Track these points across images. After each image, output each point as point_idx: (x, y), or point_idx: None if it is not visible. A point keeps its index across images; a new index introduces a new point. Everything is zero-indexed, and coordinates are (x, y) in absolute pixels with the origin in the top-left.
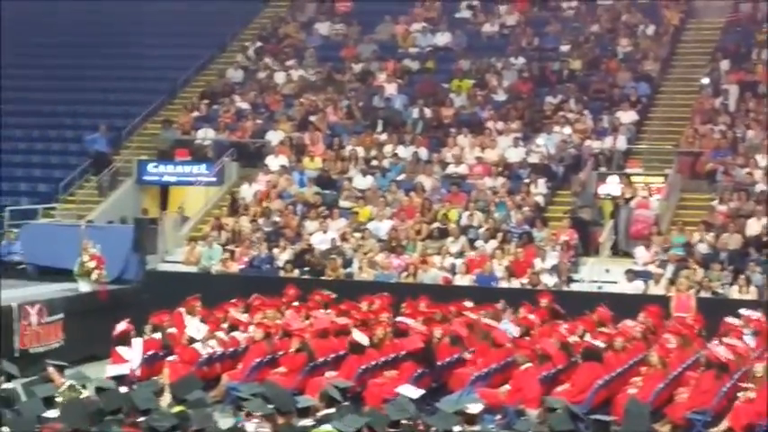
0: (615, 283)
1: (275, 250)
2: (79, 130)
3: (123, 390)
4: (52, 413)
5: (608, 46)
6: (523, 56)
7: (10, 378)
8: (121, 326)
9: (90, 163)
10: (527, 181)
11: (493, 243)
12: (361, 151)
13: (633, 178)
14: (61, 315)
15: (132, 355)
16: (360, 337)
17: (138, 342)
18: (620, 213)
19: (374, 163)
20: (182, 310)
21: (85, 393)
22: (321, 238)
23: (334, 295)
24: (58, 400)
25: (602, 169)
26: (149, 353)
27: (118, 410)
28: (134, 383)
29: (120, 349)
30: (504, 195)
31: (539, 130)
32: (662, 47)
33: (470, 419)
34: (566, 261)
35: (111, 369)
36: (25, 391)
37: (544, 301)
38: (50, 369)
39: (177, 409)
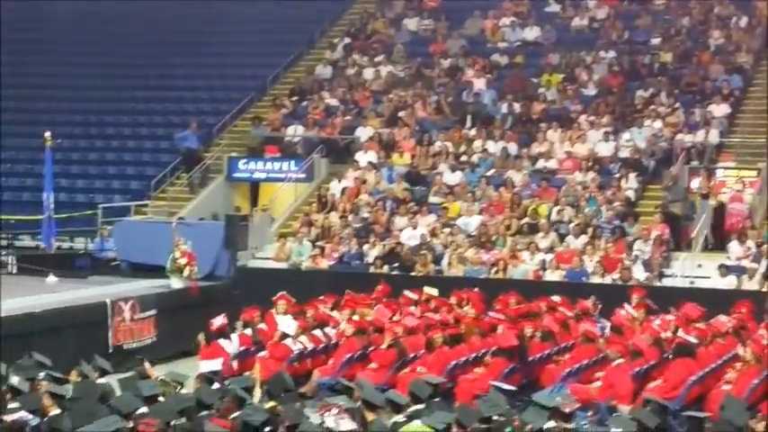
0: (708, 278)
1: (365, 246)
2: (170, 128)
3: (216, 386)
4: (145, 409)
5: (699, 38)
6: (614, 49)
7: (104, 374)
8: (219, 320)
9: (181, 160)
10: (618, 175)
11: (583, 238)
12: (450, 147)
13: (726, 172)
14: (154, 311)
15: (232, 349)
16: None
17: (235, 337)
18: (703, 208)
19: (463, 158)
20: (274, 310)
21: (183, 392)
22: (410, 233)
23: (435, 291)
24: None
25: (694, 163)
26: (241, 348)
27: (211, 405)
28: (226, 379)
29: (222, 342)
30: (594, 190)
31: (629, 124)
32: (755, 39)
33: (565, 417)
34: (657, 256)
35: (204, 365)
36: (122, 386)
37: (636, 297)
38: (146, 364)
39: (269, 404)
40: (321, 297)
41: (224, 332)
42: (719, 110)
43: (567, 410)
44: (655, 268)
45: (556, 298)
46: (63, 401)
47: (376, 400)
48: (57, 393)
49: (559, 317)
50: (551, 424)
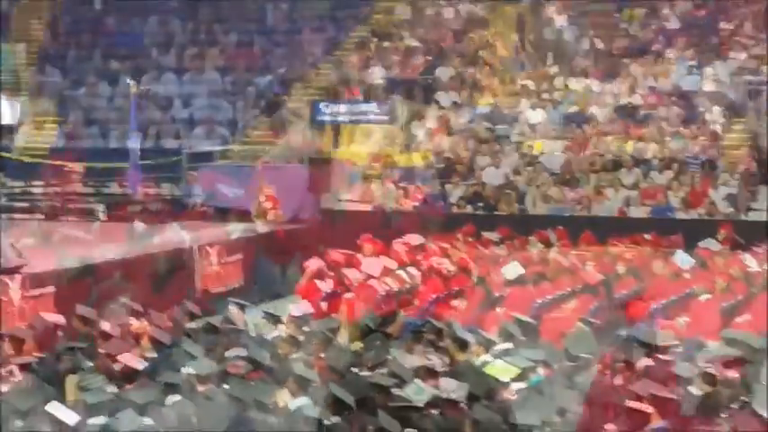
0: None
1: (448, 186)
2: (254, 73)
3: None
4: (237, 351)
5: None
6: None
7: (193, 318)
8: (315, 263)
9: (264, 105)
10: (702, 110)
11: (668, 174)
12: (532, 85)
13: None
14: (240, 255)
15: (327, 289)
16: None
17: (329, 279)
18: None
19: (545, 96)
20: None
21: (275, 333)
22: (493, 173)
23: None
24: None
25: None
26: (328, 291)
27: (300, 347)
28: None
29: (319, 283)
30: (679, 125)
31: (714, 57)
32: None
33: (662, 352)
34: (744, 190)
35: (294, 308)
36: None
37: (723, 232)
38: (232, 308)
39: (356, 345)
40: (404, 238)
41: (321, 274)
42: None
43: (664, 346)
44: (741, 202)
45: (647, 236)
46: (161, 346)
47: (466, 338)
48: (156, 338)
49: (642, 253)
50: (647, 360)
